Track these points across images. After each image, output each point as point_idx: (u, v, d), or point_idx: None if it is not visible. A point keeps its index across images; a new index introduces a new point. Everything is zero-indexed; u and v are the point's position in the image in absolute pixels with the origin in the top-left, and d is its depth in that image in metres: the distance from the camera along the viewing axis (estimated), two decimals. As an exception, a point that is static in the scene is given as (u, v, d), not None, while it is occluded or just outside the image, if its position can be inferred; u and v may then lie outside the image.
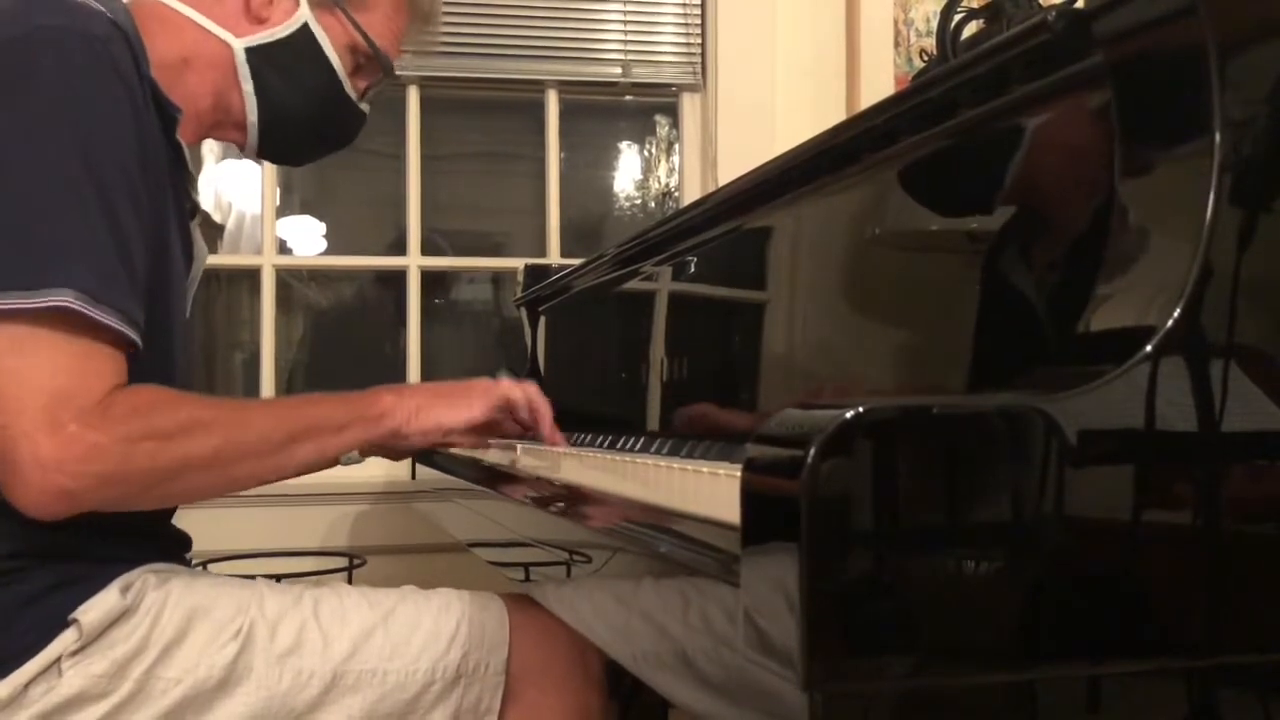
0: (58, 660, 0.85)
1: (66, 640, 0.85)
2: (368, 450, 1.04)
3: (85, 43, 0.84)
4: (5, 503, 0.83)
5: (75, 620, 0.85)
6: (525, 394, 1.11)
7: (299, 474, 0.96)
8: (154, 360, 0.90)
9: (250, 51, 1.04)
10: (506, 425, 1.12)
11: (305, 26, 1.06)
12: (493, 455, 1.25)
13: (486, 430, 1.11)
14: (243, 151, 1.13)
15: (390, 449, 1.08)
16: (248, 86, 1.06)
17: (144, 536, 0.95)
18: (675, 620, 0.59)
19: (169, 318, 0.95)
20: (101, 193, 0.83)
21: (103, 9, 0.88)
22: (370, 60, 1.12)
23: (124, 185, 0.85)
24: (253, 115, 1.07)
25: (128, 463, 0.82)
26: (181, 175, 1.00)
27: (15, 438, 0.79)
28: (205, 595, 0.93)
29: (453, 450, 1.51)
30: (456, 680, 0.96)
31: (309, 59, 1.08)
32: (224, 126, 1.09)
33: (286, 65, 1.07)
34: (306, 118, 1.11)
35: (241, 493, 0.97)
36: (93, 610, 0.86)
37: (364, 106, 1.16)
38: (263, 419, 0.94)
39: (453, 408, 1.05)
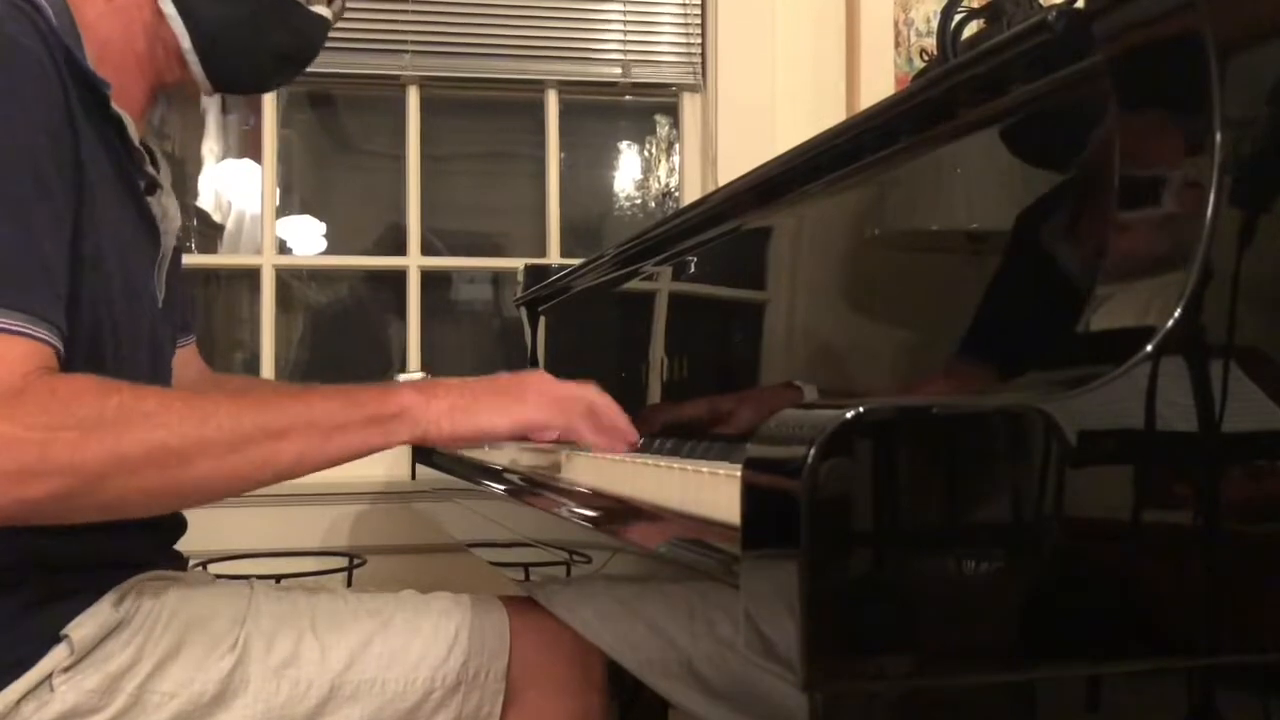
0: (49, 676, 0.83)
1: (58, 656, 0.83)
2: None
3: None
4: None
5: (66, 636, 0.84)
6: (594, 434, 0.93)
7: (291, 476, 0.83)
8: (80, 352, 0.83)
9: None
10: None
11: None
12: (492, 456, 1.25)
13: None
14: (200, 90, 1.03)
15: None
16: (168, 9, 0.95)
17: (136, 529, 0.93)
18: (682, 628, 0.59)
19: (105, 305, 0.88)
20: None
21: None
22: None
23: (28, 173, 0.78)
24: (185, 41, 0.96)
25: (45, 455, 0.71)
26: (126, 149, 0.93)
27: None
28: (200, 607, 0.91)
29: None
30: (456, 688, 0.95)
31: None
32: (170, 69, 0.99)
33: None
34: (247, 32, 0.99)
35: (151, 513, 0.88)
36: (85, 625, 0.84)
37: (320, 10, 1.04)
38: (228, 412, 0.80)
39: (499, 410, 0.89)
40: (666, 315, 1.26)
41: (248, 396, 0.83)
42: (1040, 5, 1.04)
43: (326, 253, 2.30)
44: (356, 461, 0.90)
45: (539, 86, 2.22)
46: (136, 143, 0.95)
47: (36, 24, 0.82)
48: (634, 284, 1.36)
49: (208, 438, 0.78)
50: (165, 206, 1.01)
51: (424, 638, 0.95)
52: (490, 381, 0.92)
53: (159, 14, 0.96)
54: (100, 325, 0.87)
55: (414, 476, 1.73)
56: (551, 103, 2.23)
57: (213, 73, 1.00)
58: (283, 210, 2.23)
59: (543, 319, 1.82)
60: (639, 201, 2.40)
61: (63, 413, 0.73)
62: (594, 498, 0.81)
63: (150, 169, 0.98)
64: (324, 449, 0.83)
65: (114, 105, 0.90)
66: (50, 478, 0.72)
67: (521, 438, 0.93)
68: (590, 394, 0.93)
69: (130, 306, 0.93)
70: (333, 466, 0.85)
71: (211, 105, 2.21)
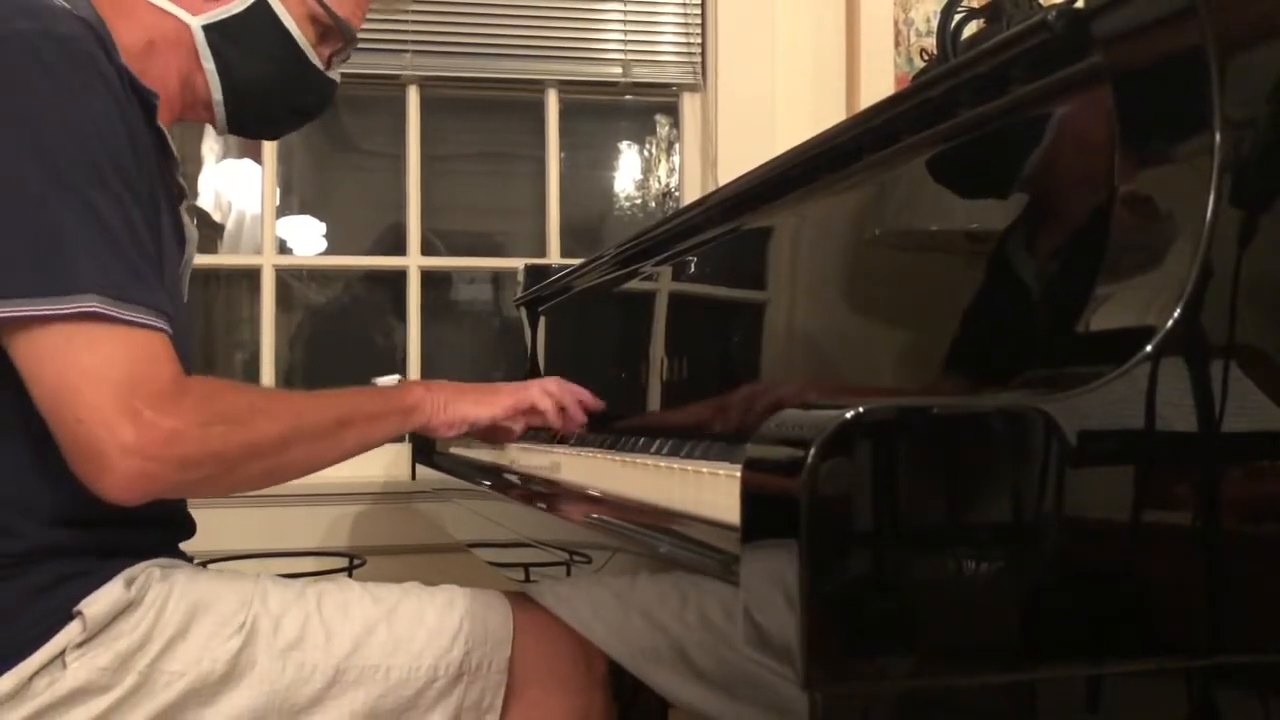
0: (62, 653, 0.85)
1: (71, 633, 0.85)
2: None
3: (59, 44, 0.84)
4: (19, 500, 0.85)
5: (80, 613, 0.85)
6: (553, 404, 1.17)
7: (344, 459, 1.00)
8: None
9: (209, 29, 1.04)
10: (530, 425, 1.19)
11: (262, 0, 1.06)
12: (493, 455, 1.26)
13: (507, 433, 1.18)
14: (215, 130, 1.13)
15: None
16: (209, 65, 1.05)
17: (151, 524, 0.95)
18: (673, 617, 0.59)
19: (173, 305, 0.94)
20: (104, 190, 0.83)
21: (67, 5, 0.88)
22: (332, 28, 1.11)
23: (122, 179, 0.85)
24: (217, 94, 1.07)
25: (204, 446, 0.85)
26: (168, 160, 1.00)
27: (95, 429, 0.80)
28: (209, 589, 0.93)
29: (452, 450, 1.51)
30: (459, 678, 0.96)
31: (268, 32, 1.07)
32: (194, 107, 1.08)
33: (246, 40, 1.06)
34: (272, 92, 1.10)
35: (243, 492, 0.96)
36: (97, 603, 0.86)
37: (333, 75, 1.15)
38: (314, 406, 0.97)
39: (477, 404, 1.12)
40: (666, 315, 1.26)
41: (313, 393, 1.02)
42: (1040, 5, 1.04)
43: (326, 253, 2.30)
44: (356, 461, 1.04)
45: (539, 86, 2.22)
46: (175, 153, 1.01)
47: (100, 40, 0.88)
48: (634, 284, 1.36)
49: (304, 428, 0.95)
50: (187, 221, 1.07)
51: (428, 627, 0.96)
52: (474, 385, 1.15)
53: (197, 65, 1.05)
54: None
55: (414, 476, 1.73)
56: (551, 102, 2.23)
57: (233, 121, 1.11)
58: (283, 210, 2.23)
59: (543, 319, 1.82)
60: (639, 201, 2.40)
61: (212, 410, 0.87)
62: (594, 497, 0.81)
63: (180, 180, 1.05)
64: (370, 435, 1.02)
65: (157, 119, 0.96)
66: (205, 465, 0.86)
67: (492, 431, 1.16)
68: (546, 383, 1.19)
69: (177, 309, 0.97)
70: (366, 451, 1.02)
71: (211, 105, 2.21)
